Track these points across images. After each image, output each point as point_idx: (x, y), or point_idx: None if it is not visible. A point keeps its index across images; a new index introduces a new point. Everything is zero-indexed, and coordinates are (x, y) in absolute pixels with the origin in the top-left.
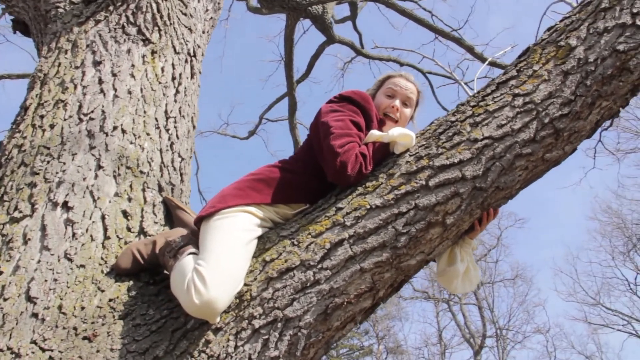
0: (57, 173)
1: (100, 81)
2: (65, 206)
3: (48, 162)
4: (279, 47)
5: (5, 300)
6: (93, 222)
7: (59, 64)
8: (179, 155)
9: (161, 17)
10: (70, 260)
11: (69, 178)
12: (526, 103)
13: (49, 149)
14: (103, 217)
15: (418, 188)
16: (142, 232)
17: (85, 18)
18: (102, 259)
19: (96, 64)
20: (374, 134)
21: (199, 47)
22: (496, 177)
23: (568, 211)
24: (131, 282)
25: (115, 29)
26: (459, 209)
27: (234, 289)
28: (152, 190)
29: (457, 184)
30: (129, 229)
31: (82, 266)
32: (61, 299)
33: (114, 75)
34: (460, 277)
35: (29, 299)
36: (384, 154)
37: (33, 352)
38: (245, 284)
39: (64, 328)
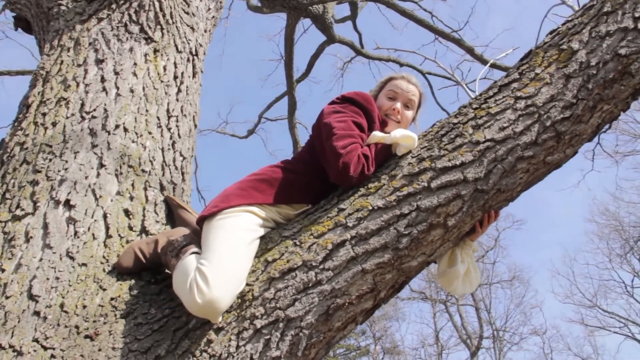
0: (59, 171)
1: (103, 79)
2: (68, 204)
3: (50, 160)
4: (279, 46)
5: (7, 298)
6: (95, 220)
7: (62, 62)
8: (181, 154)
9: (163, 15)
10: (72, 258)
11: (71, 176)
12: (528, 106)
13: (51, 146)
14: (105, 216)
15: (420, 190)
16: (143, 231)
17: (88, 16)
18: (103, 257)
19: (99, 62)
20: (377, 135)
21: (200, 46)
22: (498, 180)
23: (566, 213)
24: (133, 281)
25: (117, 27)
26: (461, 211)
27: (236, 288)
28: (154, 189)
29: (459, 186)
30: (130, 228)
31: (84, 264)
32: (63, 298)
33: (117, 73)
34: (460, 279)
35: (31, 297)
36: (386, 156)
37: (35, 350)
38: (247, 284)
39: (66, 326)
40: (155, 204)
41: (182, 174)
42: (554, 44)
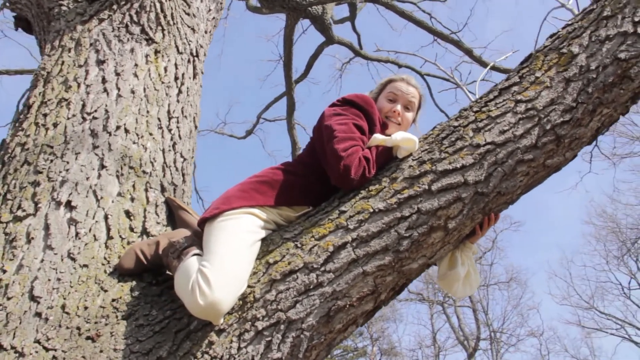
0: (60, 172)
1: (104, 80)
2: (69, 205)
3: (51, 161)
4: (278, 47)
5: (8, 299)
6: (96, 221)
7: (63, 63)
8: (181, 156)
9: (164, 16)
10: (73, 259)
11: (72, 177)
12: (528, 109)
13: (52, 147)
14: (106, 217)
15: (421, 192)
16: (144, 232)
17: (89, 16)
18: (105, 258)
19: (99, 62)
20: (377, 137)
21: (201, 47)
22: (498, 183)
23: (563, 215)
24: (134, 283)
25: (118, 28)
26: (461, 214)
27: (237, 290)
28: (155, 190)
29: (460, 188)
30: (131, 229)
31: (85, 266)
32: (64, 299)
33: (118, 74)
34: (460, 281)
35: (33, 298)
36: (387, 158)
37: (36, 352)
38: (248, 286)
39: (68, 328)
40: (156, 205)
41: (183, 175)
42: (554, 48)
